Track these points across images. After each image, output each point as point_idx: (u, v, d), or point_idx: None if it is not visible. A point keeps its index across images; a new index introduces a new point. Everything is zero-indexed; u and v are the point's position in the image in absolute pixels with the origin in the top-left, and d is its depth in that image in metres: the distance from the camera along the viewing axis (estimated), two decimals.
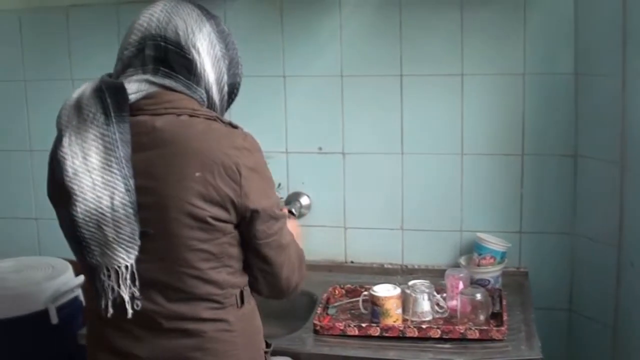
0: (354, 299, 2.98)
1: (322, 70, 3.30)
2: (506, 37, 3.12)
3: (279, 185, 3.37)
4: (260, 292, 2.22)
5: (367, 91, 3.28)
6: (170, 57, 2.03)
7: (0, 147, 3.74)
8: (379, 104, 3.28)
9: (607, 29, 2.92)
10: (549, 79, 3.12)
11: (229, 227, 2.03)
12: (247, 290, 2.15)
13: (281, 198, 3.36)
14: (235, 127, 2.08)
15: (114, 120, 1.92)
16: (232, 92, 2.21)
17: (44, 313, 2.85)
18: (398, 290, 2.76)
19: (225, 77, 2.14)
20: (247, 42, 3.27)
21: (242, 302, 2.12)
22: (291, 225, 2.44)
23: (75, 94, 1.99)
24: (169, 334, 2.05)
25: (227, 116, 3.22)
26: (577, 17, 3.04)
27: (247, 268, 2.15)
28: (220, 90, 2.13)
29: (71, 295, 2.96)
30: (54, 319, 2.85)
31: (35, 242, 3.71)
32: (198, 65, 2.05)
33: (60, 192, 1.93)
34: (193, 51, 2.04)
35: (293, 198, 3.39)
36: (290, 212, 3.20)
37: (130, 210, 1.91)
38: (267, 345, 2.30)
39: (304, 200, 3.39)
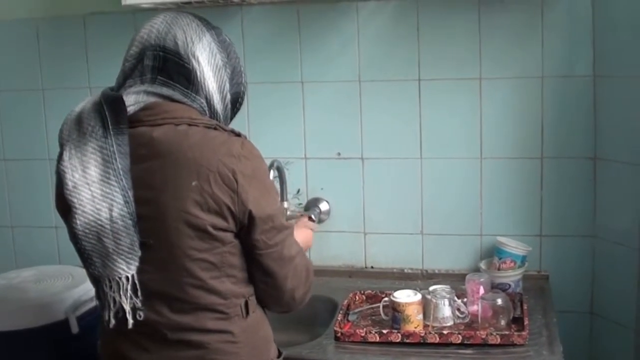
0: (375, 305, 2.98)
1: (340, 75, 3.30)
2: (524, 40, 3.11)
3: (298, 191, 3.38)
4: (266, 305, 2.23)
5: (385, 96, 3.27)
6: (168, 66, 2.05)
7: (19, 156, 3.76)
8: (397, 109, 3.27)
9: (625, 30, 2.91)
10: (568, 82, 3.11)
11: (229, 236, 2.03)
12: (252, 300, 2.15)
13: (300, 204, 3.37)
14: (237, 134, 2.08)
15: (111, 132, 1.95)
16: (237, 101, 2.22)
17: (65, 323, 2.84)
18: (419, 296, 2.75)
19: (228, 86, 2.14)
20: (265, 49, 3.30)
21: (247, 312, 2.13)
22: (304, 233, 2.51)
23: (78, 108, 2.02)
24: (174, 346, 2.06)
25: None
26: (595, 19, 3.03)
27: (251, 280, 2.15)
28: (223, 99, 2.14)
29: (91, 305, 2.94)
30: (75, 329, 2.84)
31: (55, 251, 3.72)
32: (197, 74, 2.06)
33: (63, 204, 1.97)
34: (192, 60, 2.05)
35: (312, 204, 3.39)
36: (309, 218, 3.20)
37: (129, 222, 1.93)
38: (279, 353, 2.31)
39: (323, 206, 3.38)
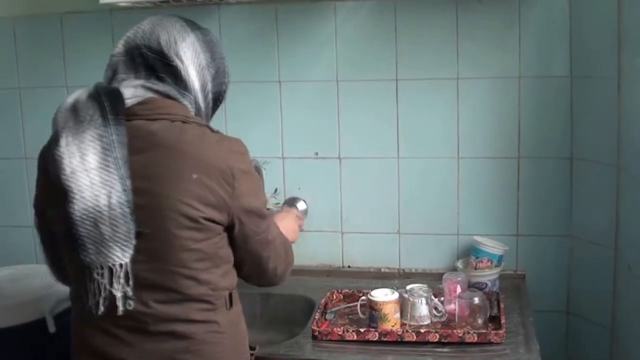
0: (352, 304, 2.98)
1: (318, 75, 3.30)
2: (501, 41, 3.13)
3: (276, 190, 3.38)
4: (251, 282, 2.34)
5: (363, 96, 3.28)
6: (156, 65, 2.10)
7: None
8: (375, 109, 3.28)
9: (602, 31, 2.93)
10: (545, 82, 3.12)
11: (219, 228, 2.08)
12: (235, 293, 2.19)
13: (277, 203, 3.37)
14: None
15: (111, 122, 1.97)
16: (218, 100, 2.27)
17: (42, 322, 2.84)
18: (396, 295, 2.76)
19: (210, 86, 2.19)
20: (243, 48, 3.30)
21: (231, 304, 2.17)
22: (289, 218, 2.78)
23: (70, 99, 2.04)
24: (156, 337, 2.07)
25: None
26: (572, 19, 3.04)
27: (239, 264, 2.21)
28: (205, 97, 2.19)
29: (68, 304, 2.93)
30: (52, 328, 2.84)
31: (32, 250, 3.67)
32: (182, 72, 2.11)
33: (55, 191, 1.96)
34: (176, 59, 2.10)
35: (290, 203, 3.37)
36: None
37: (127, 210, 1.95)
38: (251, 349, 2.35)
39: (301, 206, 3.37)
